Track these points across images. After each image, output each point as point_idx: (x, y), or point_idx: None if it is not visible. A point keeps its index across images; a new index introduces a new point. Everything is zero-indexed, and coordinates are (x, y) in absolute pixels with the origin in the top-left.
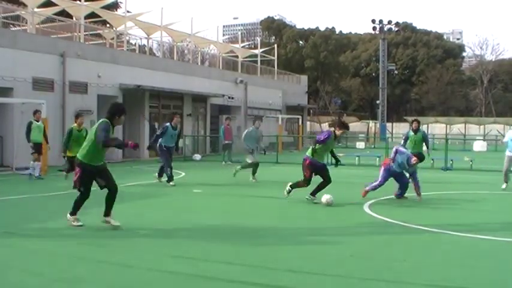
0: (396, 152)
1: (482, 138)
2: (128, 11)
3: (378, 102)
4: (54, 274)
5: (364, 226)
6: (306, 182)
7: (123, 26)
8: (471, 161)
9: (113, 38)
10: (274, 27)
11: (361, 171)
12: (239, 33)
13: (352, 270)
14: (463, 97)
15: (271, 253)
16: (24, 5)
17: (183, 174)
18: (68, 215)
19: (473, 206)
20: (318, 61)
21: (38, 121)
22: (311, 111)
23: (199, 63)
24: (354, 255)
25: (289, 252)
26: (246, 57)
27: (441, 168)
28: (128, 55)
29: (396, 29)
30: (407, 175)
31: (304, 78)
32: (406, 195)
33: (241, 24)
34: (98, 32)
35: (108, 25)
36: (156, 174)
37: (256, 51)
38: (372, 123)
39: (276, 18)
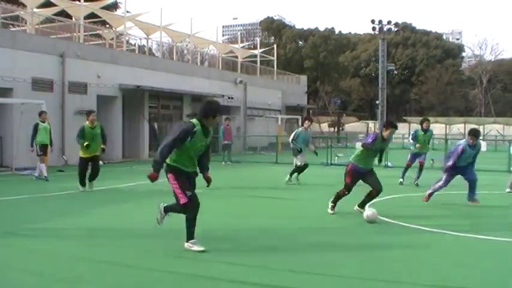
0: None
1: (482, 138)
2: (127, 12)
3: (377, 102)
4: (54, 274)
5: (365, 226)
6: (346, 189)
7: (122, 26)
8: None
9: (112, 39)
10: (273, 27)
11: None
12: (238, 33)
13: (352, 270)
14: (463, 97)
15: (272, 253)
16: (24, 5)
17: None
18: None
19: (473, 206)
20: (318, 61)
21: (44, 122)
22: (310, 111)
23: (198, 64)
24: (353, 255)
25: (290, 252)
26: (246, 58)
27: (441, 169)
28: (127, 55)
29: (396, 29)
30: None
31: (303, 78)
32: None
33: (241, 25)
34: (98, 32)
35: (107, 25)
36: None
37: (255, 52)
38: (371, 124)
39: (275, 18)
